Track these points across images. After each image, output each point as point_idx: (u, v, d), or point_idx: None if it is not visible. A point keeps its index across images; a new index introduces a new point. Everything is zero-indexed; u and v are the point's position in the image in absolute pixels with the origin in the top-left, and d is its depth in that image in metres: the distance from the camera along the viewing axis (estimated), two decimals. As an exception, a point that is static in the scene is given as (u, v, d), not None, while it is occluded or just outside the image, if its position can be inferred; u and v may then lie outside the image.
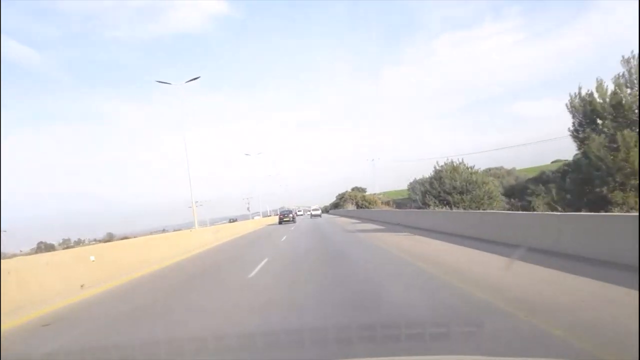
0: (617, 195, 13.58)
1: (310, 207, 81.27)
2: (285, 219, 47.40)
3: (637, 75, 15.05)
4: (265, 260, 12.39)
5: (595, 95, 16.03)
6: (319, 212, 59.47)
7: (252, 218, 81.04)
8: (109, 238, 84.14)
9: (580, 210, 13.47)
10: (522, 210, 20.35)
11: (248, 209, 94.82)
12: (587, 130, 15.84)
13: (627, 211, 12.80)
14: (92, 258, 11.28)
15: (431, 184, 26.89)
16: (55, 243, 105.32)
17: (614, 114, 14.76)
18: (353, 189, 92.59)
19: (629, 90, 14.95)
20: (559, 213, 10.98)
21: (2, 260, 9.38)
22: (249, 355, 4.33)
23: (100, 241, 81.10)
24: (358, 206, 62.22)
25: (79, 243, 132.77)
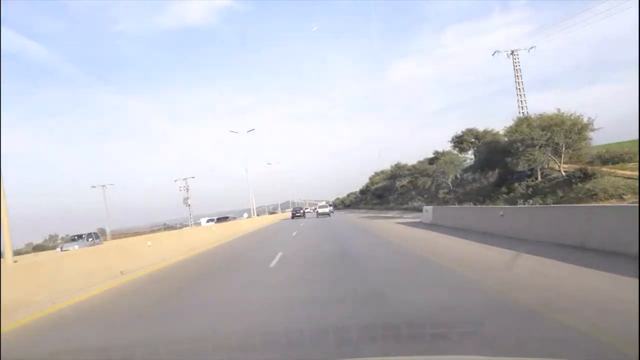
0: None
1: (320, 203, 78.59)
2: (297, 214, 54.19)
3: None
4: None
5: None
6: (327, 209, 53.46)
7: (192, 223, 58.41)
8: (102, 233, 76.46)
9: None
10: None
11: (186, 200, 65.40)
12: None
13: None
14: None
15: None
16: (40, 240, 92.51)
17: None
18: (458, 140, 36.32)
19: None
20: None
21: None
22: (250, 355, 4.29)
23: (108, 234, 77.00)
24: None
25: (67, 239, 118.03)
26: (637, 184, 16.08)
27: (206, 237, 19.79)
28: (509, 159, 19.60)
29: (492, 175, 25.05)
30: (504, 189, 23.10)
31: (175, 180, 69.69)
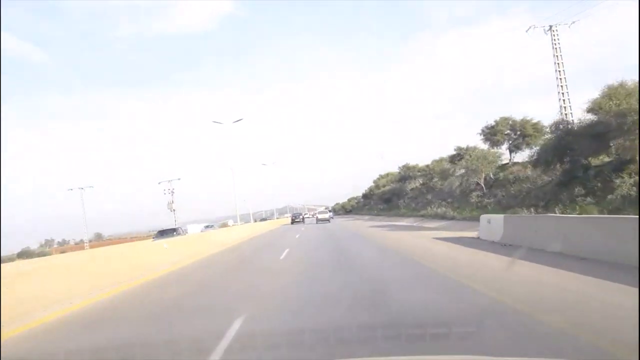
0: None
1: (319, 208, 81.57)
2: (296, 220, 58.17)
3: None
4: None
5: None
6: (326, 215, 53.35)
7: (177, 233, 49.10)
8: (97, 238, 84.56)
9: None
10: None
11: (170, 205, 58.61)
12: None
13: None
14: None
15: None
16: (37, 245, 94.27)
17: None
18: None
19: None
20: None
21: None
22: (249, 355, 4.20)
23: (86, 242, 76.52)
24: None
25: (62, 244, 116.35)
26: None
27: (136, 265, 12.39)
28: (618, 142, 12.82)
29: (554, 171, 18.20)
30: (578, 190, 16.31)
31: (159, 183, 62.71)
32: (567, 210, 15.01)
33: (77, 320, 6.73)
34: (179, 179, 63.84)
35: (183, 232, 38.26)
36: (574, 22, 33.17)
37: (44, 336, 5.95)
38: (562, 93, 32.02)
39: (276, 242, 21.79)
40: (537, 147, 20.43)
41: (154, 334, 5.46)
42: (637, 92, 13.83)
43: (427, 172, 42.70)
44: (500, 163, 28.14)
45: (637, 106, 12.31)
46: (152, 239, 33.13)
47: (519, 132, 28.41)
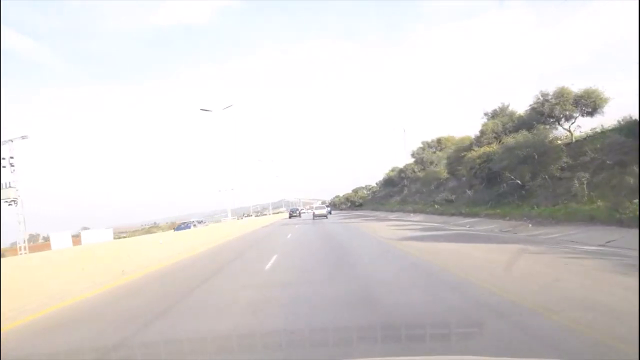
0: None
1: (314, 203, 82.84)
2: (293, 214, 63.51)
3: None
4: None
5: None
6: (324, 210, 51.65)
7: (24, 247, 30.11)
8: None
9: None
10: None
11: (8, 192, 30.28)
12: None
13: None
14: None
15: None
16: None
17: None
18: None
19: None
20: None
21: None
22: (249, 355, 4.25)
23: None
24: None
25: (47, 240, 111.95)
26: None
27: None
28: None
29: None
30: None
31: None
32: None
33: None
34: (23, 138, 33.92)
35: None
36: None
37: None
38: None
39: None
40: None
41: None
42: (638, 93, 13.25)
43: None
44: None
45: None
46: None
47: None
